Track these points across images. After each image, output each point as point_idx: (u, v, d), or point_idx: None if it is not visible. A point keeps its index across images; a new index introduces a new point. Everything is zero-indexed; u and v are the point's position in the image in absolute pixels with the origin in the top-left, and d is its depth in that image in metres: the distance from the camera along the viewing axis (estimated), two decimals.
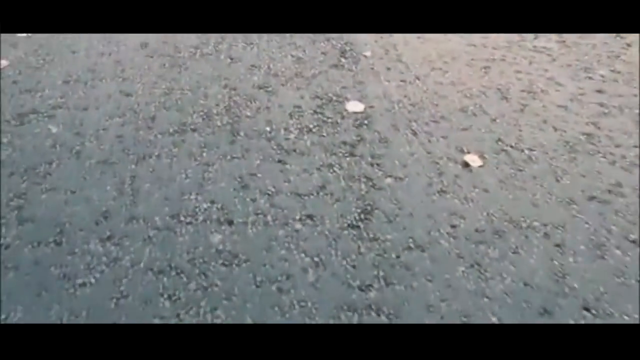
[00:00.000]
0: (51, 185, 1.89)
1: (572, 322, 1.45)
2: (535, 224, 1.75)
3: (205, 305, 1.49)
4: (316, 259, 1.63)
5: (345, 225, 1.74)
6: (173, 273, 1.58)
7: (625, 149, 2.09)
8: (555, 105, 2.35)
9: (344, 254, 1.64)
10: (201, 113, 2.28)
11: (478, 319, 1.46)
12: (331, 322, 1.45)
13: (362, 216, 1.77)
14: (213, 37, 2.87)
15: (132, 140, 2.11)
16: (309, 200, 1.83)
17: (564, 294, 1.52)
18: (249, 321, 1.45)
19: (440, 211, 1.79)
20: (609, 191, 1.88)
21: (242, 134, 2.16)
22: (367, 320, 1.45)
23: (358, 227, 1.73)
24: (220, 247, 1.66)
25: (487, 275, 1.58)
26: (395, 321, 1.45)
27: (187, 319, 1.45)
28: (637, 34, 2.85)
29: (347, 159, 2.03)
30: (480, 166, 2.00)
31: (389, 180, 1.93)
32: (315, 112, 2.29)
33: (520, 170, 1.98)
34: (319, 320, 1.45)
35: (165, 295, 1.52)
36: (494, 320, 1.46)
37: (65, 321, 1.44)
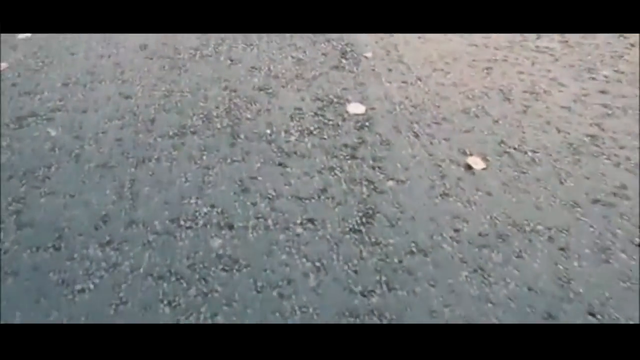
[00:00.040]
0: (50, 189, 1.88)
1: None
2: (539, 227, 1.73)
3: (205, 312, 1.47)
4: (317, 263, 1.61)
5: (347, 229, 1.72)
6: (173, 278, 1.56)
7: (630, 150, 2.07)
8: (559, 106, 2.33)
9: (346, 259, 1.62)
10: (201, 115, 2.26)
11: None
12: None
13: (364, 220, 1.75)
14: (213, 39, 2.85)
15: (132, 143, 2.10)
16: (310, 203, 1.82)
17: (568, 299, 1.50)
18: None
19: (442, 215, 1.78)
20: (614, 194, 1.86)
21: (242, 136, 2.14)
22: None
23: (360, 231, 1.72)
24: (221, 251, 1.64)
25: (490, 280, 1.56)
26: None
27: None
28: None
29: (349, 161, 2.01)
30: (483, 168, 1.98)
31: (390, 183, 1.91)
32: (316, 114, 2.28)
33: (524, 173, 1.96)
34: None
35: (165, 301, 1.50)
36: None
37: None
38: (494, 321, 1.45)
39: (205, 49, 2.76)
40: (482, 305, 1.49)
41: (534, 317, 1.46)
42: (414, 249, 1.65)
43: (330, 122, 2.22)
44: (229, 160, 2.01)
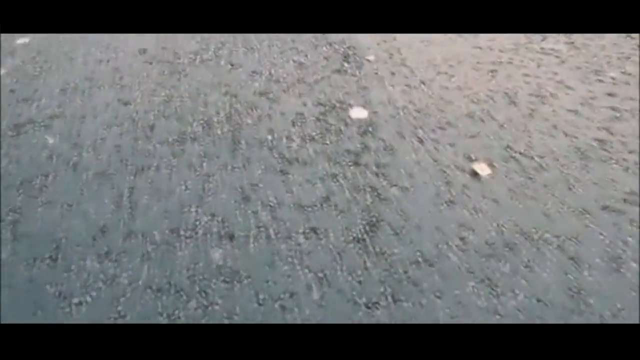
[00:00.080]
0: (47, 198, 1.84)
1: None
2: (548, 235, 1.69)
3: None
4: (320, 274, 1.57)
5: (350, 238, 1.68)
6: (172, 291, 1.52)
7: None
8: (566, 109, 2.28)
9: (350, 270, 1.58)
10: (201, 121, 2.22)
11: None
12: None
13: (368, 229, 1.71)
14: (213, 43, 2.81)
15: (131, 151, 2.06)
16: (313, 212, 1.78)
17: (579, 311, 1.46)
18: None
19: (448, 223, 1.73)
20: (624, 200, 1.82)
21: (243, 143, 2.10)
22: None
23: (364, 240, 1.68)
24: (221, 263, 1.61)
25: (498, 291, 1.52)
26: None
27: None
28: None
29: (352, 168, 1.97)
30: (489, 175, 1.93)
31: (394, 190, 1.87)
32: (318, 119, 2.24)
33: (531, 179, 1.91)
34: None
35: (164, 315, 1.46)
36: None
37: None
38: None
39: (205, 53, 2.72)
40: (490, 317, 1.45)
41: None
42: (419, 259, 1.61)
43: (333, 128, 2.18)
44: (229, 168, 1.97)
